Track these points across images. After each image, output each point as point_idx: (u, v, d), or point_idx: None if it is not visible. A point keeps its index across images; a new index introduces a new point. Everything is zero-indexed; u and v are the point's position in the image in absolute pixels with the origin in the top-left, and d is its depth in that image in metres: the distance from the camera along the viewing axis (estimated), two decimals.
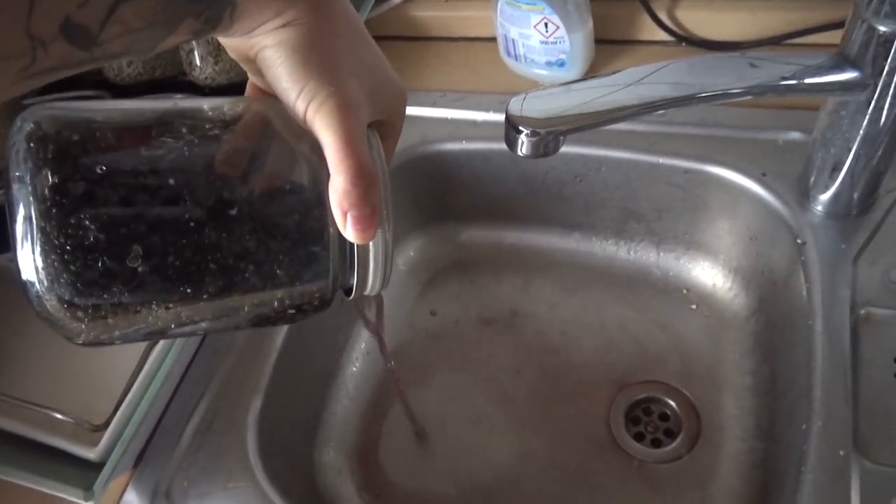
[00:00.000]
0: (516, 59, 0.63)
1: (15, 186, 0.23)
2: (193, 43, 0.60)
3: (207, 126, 0.27)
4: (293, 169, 0.28)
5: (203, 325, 0.27)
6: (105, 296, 0.24)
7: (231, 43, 0.29)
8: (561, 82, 0.42)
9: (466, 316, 0.64)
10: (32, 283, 0.24)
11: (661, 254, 0.63)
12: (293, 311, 0.28)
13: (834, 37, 0.46)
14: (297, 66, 0.27)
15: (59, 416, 0.46)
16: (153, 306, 0.25)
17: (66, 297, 0.24)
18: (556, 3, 0.57)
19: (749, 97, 0.42)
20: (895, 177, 0.49)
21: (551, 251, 0.66)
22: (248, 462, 0.47)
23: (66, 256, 0.23)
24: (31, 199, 0.23)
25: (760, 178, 0.53)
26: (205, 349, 0.53)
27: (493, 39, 0.65)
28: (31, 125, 0.24)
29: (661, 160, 0.57)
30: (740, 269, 0.59)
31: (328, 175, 0.27)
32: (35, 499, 0.46)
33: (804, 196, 0.51)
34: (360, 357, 0.62)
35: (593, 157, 0.59)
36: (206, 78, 0.61)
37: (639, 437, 0.55)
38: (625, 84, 0.41)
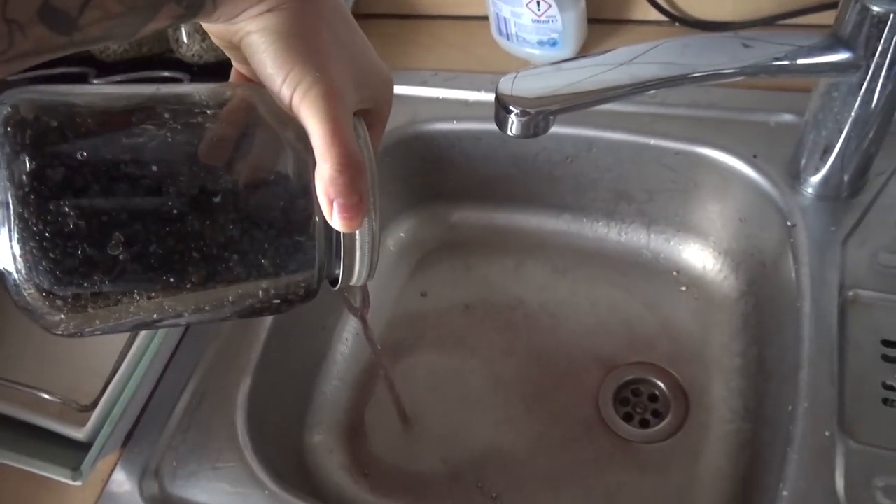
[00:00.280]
0: (508, 39, 0.63)
1: None
2: None
3: (191, 112, 0.27)
4: (278, 157, 0.27)
5: (186, 316, 0.27)
6: (85, 284, 0.24)
7: (214, 29, 0.28)
8: (553, 62, 0.42)
9: (456, 297, 0.64)
10: (10, 272, 0.23)
11: (652, 235, 0.63)
12: (278, 302, 0.28)
13: (828, 17, 0.46)
14: (282, 52, 0.26)
15: (46, 396, 0.46)
16: (135, 296, 0.25)
17: (45, 286, 0.23)
18: None
19: (741, 78, 0.41)
20: (886, 159, 0.49)
21: (542, 232, 0.66)
22: (237, 442, 0.47)
23: (44, 244, 0.23)
24: (8, 184, 0.23)
25: (751, 160, 0.53)
26: (194, 329, 0.52)
27: (485, 18, 0.64)
28: (9, 109, 0.24)
29: (653, 141, 0.56)
30: (730, 252, 0.59)
31: (314, 163, 0.26)
32: (22, 479, 0.46)
33: (795, 178, 0.51)
34: (349, 338, 0.62)
35: (584, 137, 0.58)
36: (192, 55, 0.60)
37: (627, 418, 0.55)
38: (616, 64, 0.40)
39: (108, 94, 0.27)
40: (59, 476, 0.43)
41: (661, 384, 0.56)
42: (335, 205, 0.26)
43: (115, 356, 0.47)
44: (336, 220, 0.26)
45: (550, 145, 0.60)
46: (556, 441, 0.55)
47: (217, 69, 0.61)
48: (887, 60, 0.40)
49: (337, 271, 0.29)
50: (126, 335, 0.48)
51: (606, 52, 0.41)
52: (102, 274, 0.24)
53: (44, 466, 0.43)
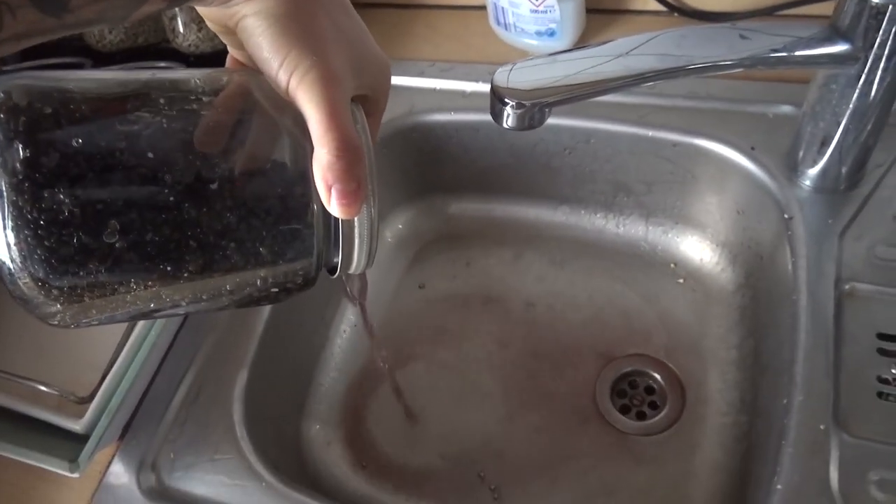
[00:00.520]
0: (506, 29, 0.62)
1: None
2: (176, 10, 0.58)
3: (187, 98, 0.26)
4: (275, 143, 0.27)
5: (184, 305, 0.27)
6: (81, 273, 0.23)
7: (210, 13, 0.28)
8: (550, 52, 0.42)
9: (454, 289, 0.64)
10: (4, 261, 0.23)
11: (650, 227, 0.63)
12: (276, 291, 0.28)
13: (827, 7, 0.45)
14: (279, 36, 0.26)
15: (43, 388, 0.46)
16: (132, 285, 0.25)
17: (40, 276, 0.23)
18: None
19: (739, 69, 0.41)
20: (884, 152, 0.49)
21: (540, 224, 0.65)
22: (235, 434, 0.47)
23: (39, 232, 0.23)
24: (2, 171, 0.22)
25: (749, 152, 0.53)
26: (191, 320, 0.52)
27: (483, 8, 0.64)
28: (1, 95, 0.23)
29: (651, 133, 0.56)
30: (727, 244, 0.59)
31: (312, 149, 0.26)
32: (20, 471, 0.46)
33: (792, 170, 0.51)
34: (347, 329, 0.62)
35: (582, 129, 0.58)
36: (189, 45, 0.60)
37: (624, 410, 0.55)
38: (613, 55, 0.40)
39: (102, 80, 0.26)
40: (56, 468, 0.43)
41: (657, 376, 0.56)
42: (333, 191, 0.26)
43: (112, 348, 0.47)
44: (334, 207, 0.26)
45: (549, 137, 0.59)
46: (553, 432, 0.55)
47: (213, 59, 0.61)
48: (886, 52, 0.40)
49: (335, 259, 0.29)
50: (123, 326, 0.48)
51: (604, 42, 0.41)
52: (98, 263, 0.24)
53: (42, 458, 0.43)
